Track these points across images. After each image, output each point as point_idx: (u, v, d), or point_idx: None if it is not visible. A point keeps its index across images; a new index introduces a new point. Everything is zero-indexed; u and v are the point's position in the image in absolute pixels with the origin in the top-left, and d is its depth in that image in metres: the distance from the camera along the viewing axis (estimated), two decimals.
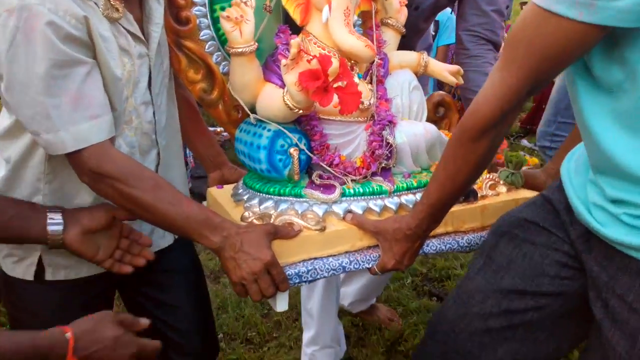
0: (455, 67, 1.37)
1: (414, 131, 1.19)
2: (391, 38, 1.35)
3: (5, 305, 1.15)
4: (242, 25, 1.07)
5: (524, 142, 4.93)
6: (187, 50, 1.15)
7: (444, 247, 1.14)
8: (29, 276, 1.05)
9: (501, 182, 1.26)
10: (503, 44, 0.84)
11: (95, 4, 0.96)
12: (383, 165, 1.16)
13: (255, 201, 1.10)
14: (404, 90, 1.28)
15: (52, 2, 0.88)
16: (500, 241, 1.06)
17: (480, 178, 1.23)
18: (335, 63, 0.99)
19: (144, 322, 0.91)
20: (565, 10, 0.70)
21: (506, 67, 0.82)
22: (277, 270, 0.97)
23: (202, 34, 1.16)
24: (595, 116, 0.82)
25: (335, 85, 0.99)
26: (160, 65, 1.11)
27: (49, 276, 1.05)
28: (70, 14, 0.90)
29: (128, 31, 1.01)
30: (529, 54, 0.77)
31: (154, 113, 1.10)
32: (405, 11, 1.37)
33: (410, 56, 1.37)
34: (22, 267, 1.06)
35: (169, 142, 1.17)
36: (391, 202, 1.13)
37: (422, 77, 1.39)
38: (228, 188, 1.24)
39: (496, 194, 1.23)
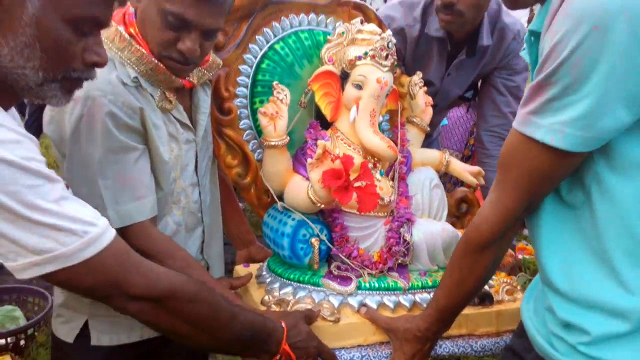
0: (476, 169, 1.43)
1: (431, 230, 1.24)
2: (415, 136, 1.44)
3: None
4: (277, 121, 1.18)
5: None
6: (227, 138, 1.26)
7: (456, 350, 1.16)
8: (70, 338, 1.13)
9: (519, 287, 1.28)
10: (497, 165, 0.91)
11: (152, 95, 1.08)
12: (400, 261, 1.21)
13: (276, 285, 1.16)
14: (425, 187, 1.35)
15: (112, 94, 1.01)
16: None
17: (498, 282, 1.26)
18: (356, 163, 1.08)
19: (315, 314, 1.07)
20: (542, 136, 0.77)
21: (501, 188, 0.87)
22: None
23: (241, 123, 1.27)
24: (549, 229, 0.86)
25: (355, 185, 1.06)
26: (206, 150, 1.23)
27: (94, 341, 1.12)
28: (127, 106, 1.03)
29: (177, 120, 1.13)
30: (519, 177, 0.83)
31: (199, 193, 1.20)
32: (430, 111, 1.46)
33: (432, 154, 1.45)
34: (66, 329, 1.14)
35: (212, 221, 1.27)
36: (405, 299, 1.16)
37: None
38: (254, 267, 1.31)
39: (513, 299, 1.24)
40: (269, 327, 0.97)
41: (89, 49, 0.80)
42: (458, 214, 1.52)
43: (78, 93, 0.97)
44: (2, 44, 0.75)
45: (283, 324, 0.99)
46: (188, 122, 1.17)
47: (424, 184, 1.35)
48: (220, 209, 1.32)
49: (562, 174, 0.81)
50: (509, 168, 0.85)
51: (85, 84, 0.97)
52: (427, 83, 1.78)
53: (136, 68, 1.05)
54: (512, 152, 0.84)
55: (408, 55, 1.79)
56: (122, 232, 0.99)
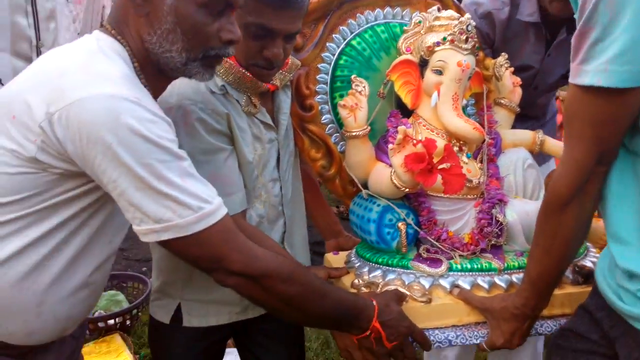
0: None
1: (525, 209, 1.20)
2: (504, 117, 1.41)
3: (150, 343, 1.38)
4: (357, 112, 1.22)
5: None
6: (310, 133, 1.32)
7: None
8: (166, 320, 1.25)
9: None
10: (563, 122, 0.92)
11: (237, 101, 1.18)
12: (493, 242, 1.18)
13: (365, 270, 1.19)
14: (518, 168, 1.31)
15: (202, 102, 1.12)
16: (552, 352, 1.06)
17: None
18: (440, 146, 1.08)
19: (405, 295, 1.09)
20: (590, 80, 0.78)
21: (569, 144, 0.88)
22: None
23: (323, 118, 1.33)
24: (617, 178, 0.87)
25: (440, 167, 1.07)
26: (287, 146, 1.30)
27: (185, 322, 1.24)
28: (215, 112, 1.14)
29: (261, 122, 1.22)
30: (582, 128, 0.84)
31: (281, 187, 1.27)
32: (519, 91, 1.42)
33: (524, 135, 1.40)
34: (162, 311, 1.27)
35: (294, 213, 1.34)
36: (501, 280, 1.14)
37: None
38: (343, 254, 1.36)
39: None
40: (360, 305, 1.01)
41: (223, 29, 0.93)
42: None
43: (171, 102, 1.11)
44: (151, 33, 0.90)
45: (374, 302, 1.02)
46: (271, 123, 1.25)
47: (516, 164, 1.32)
48: (302, 201, 1.39)
49: (622, 117, 0.81)
50: (572, 122, 0.87)
51: (175, 92, 1.10)
52: (525, 67, 1.74)
53: (224, 78, 1.15)
54: (571, 105, 0.86)
55: (497, 39, 1.76)
56: None
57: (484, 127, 1.30)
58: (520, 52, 1.70)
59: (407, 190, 1.14)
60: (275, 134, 1.26)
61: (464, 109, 1.40)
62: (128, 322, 2.42)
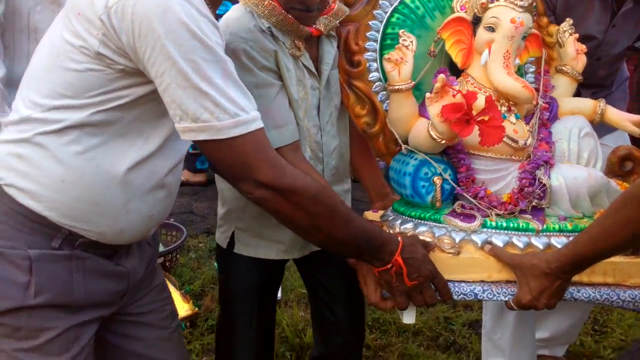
0: (638, 117, 1.30)
1: (574, 174, 1.17)
2: (565, 84, 1.38)
3: (217, 262, 1.53)
4: (401, 66, 1.24)
5: None
6: (356, 89, 1.36)
7: (598, 297, 1.07)
8: (224, 244, 1.40)
9: None
10: None
11: (283, 43, 1.25)
12: (534, 204, 1.16)
13: (398, 222, 1.21)
14: (573, 135, 1.28)
15: (252, 40, 1.20)
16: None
17: None
18: (480, 99, 1.08)
19: (432, 245, 1.12)
20: None
21: None
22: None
23: (370, 75, 1.36)
24: None
25: (478, 119, 1.07)
26: (330, 100, 1.35)
27: (236, 249, 1.38)
28: (264, 49, 1.22)
29: (305, 67, 1.28)
30: None
31: (321, 136, 1.34)
32: (583, 59, 1.39)
33: (584, 103, 1.36)
34: (222, 237, 1.42)
35: (337, 165, 1.40)
36: (538, 241, 1.12)
37: None
38: (381, 212, 1.38)
39: None
40: (385, 237, 1.05)
41: None
42: (622, 172, 1.39)
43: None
44: None
45: (399, 238, 1.06)
46: (313, 70, 1.31)
47: (571, 131, 1.28)
48: (347, 157, 1.44)
49: None
50: None
51: (229, 32, 1.18)
52: (587, 37, 1.68)
53: (269, 19, 1.22)
54: None
55: (559, 5, 1.71)
56: None
57: (539, 92, 1.28)
58: (583, 21, 1.64)
59: (443, 142, 1.14)
60: (318, 82, 1.32)
61: (521, 72, 1.38)
62: (167, 264, 2.67)
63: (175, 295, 2.24)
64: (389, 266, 1.03)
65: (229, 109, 0.89)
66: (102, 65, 0.91)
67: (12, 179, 0.95)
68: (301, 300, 2.55)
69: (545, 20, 1.44)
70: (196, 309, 2.36)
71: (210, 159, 0.96)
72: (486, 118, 1.07)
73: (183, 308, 2.26)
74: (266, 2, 1.21)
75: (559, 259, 1.01)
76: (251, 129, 0.92)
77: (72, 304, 0.97)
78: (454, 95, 1.10)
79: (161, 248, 2.71)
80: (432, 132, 1.15)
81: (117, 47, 0.89)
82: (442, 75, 1.11)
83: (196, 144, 0.93)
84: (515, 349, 1.74)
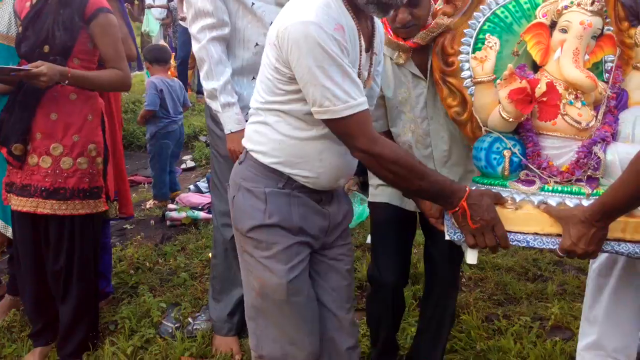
0: None
1: (627, 150, 1.41)
2: (639, 79, 1.59)
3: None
4: (485, 63, 1.58)
5: None
6: (449, 84, 1.72)
7: (638, 251, 1.29)
8: (366, 196, 2.00)
9: None
10: None
11: (390, 58, 1.76)
12: (589, 174, 1.42)
13: (473, 188, 1.54)
14: (638, 120, 1.50)
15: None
16: None
17: None
18: (542, 84, 1.39)
19: (505, 200, 1.43)
20: None
21: None
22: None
23: (462, 73, 1.72)
24: None
25: (539, 100, 1.38)
26: (436, 95, 1.77)
27: (370, 198, 2.06)
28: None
29: (410, 72, 1.75)
30: None
31: (429, 124, 1.80)
32: None
33: None
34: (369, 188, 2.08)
35: (448, 149, 1.84)
36: (587, 203, 1.37)
37: None
38: None
39: None
40: (454, 188, 1.41)
41: None
42: None
43: None
44: None
45: (467, 188, 1.41)
46: (418, 73, 1.74)
47: (637, 118, 1.51)
48: (460, 143, 1.85)
49: None
50: None
51: None
52: None
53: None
54: None
55: None
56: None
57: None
58: None
59: (511, 119, 1.46)
60: (425, 82, 1.74)
61: (600, 68, 1.63)
62: None
63: None
64: (456, 209, 1.38)
65: (342, 97, 1.35)
66: (279, 74, 1.41)
67: (253, 146, 1.53)
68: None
69: (626, 24, 1.67)
70: None
71: (331, 131, 1.44)
72: (545, 99, 1.38)
73: None
74: None
75: (591, 209, 1.29)
76: (356, 110, 1.37)
77: (291, 227, 1.50)
78: (520, 82, 1.43)
79: None
80: (501, 112, 1.47)
81: (283, 60, 1.38)
82: (510, 65, 1.44)
83: (324, 122, 1.41)
84: (608, 325, 1.81)
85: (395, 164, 1.38)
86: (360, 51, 1.49)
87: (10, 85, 2.26)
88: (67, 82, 2.16)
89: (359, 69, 1.49)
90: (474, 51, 1.72)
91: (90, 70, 2.30)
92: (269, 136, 1.49)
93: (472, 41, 1.72)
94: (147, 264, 3.30)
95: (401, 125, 1.86)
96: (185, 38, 7.59)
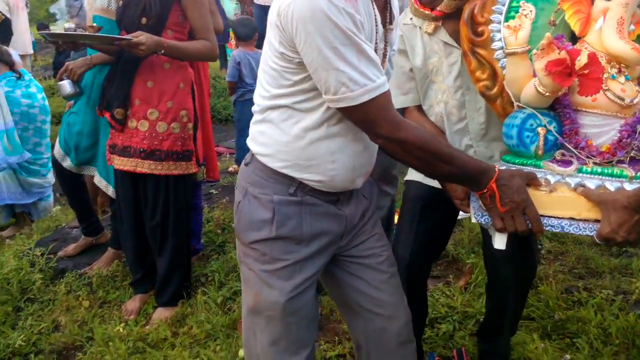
0: None
1: None
2: None
3: None
4: (519, 32, 1.48)
5: None
6: (479, 56, 1.62)
7: None
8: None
9: None
10: None
11: (419, 27, 1.68)
12: (633, 155, 1.32)
13: (503, 168, 1.44)
14: None
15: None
16: None
17: None
18: (583, 55, 1.29)
19: (539, 182, 1.34)
20: None
21: None
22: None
23: (493, 44, 1.61)
24: None
25: (579, 73, 1.28)
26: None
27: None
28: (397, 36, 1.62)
29: (442, 40, 1.67)
30: None
31: (463, 94, 1.71)
32: None
33: None
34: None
35: (486, 121, 1.74)
36: (630, 186, 1.28)
37: None
38: None
39: None
40: (482, 168, 1.31)
41: None
42: None
43: None
44: None
45: (496, 169, 1.31)
46: (449, 42, 1.66)
47: None
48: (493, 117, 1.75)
49: None
50: None
51: None
52: None
53: (411, 11, 1.70)
54: None
55: None
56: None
57: None
58: None
59: (547, 94, 1.36)
60: (459, 50, 1.67)
61: None
62: None
63: None
64: (484, 191, 1.29)
65: (359, 80, 1.21)
66: (285, 61, 1.26)
67: (259, 149, 1.40)
68: None
69: None
70: None
71: (348, 119, 1.31)
72: (586, 72, 1.27)
73: None
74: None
75: (635, 193, 1.18)
76: (376, 94, 1.23)
77: (301, 238, 1.37)
78: (559, 52, 1.32)
79: None
80: (537, 86, 1.37)
81: (288, 43, 1.23)
82: (547, 34, 1.34)
83: (339, 110, 1.29)
84: None
85: (420, 149, 1.28)
86: (376, 24, 1.36)
87: (112, 55, 2.60)
88: (162, 51, 2.42)
89: (376, 43, 1.36)
90: (506, 20, 1.61)
91: (182, 41, 2.55)
92: (274, 137, 1.36)
93: (504, 9, 1.61)
94: (232, 225, 3.43)
95: (433, 96, 1.77)
96: (261, 14, 7.77)
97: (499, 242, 1.34)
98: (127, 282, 3.06)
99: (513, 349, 2.24)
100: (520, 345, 2.29)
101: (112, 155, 2.66)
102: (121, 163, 2.61)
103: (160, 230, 2.71)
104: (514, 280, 1.87)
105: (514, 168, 1.42)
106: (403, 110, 1.80)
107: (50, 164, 4.12)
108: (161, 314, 2.74)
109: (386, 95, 1.27)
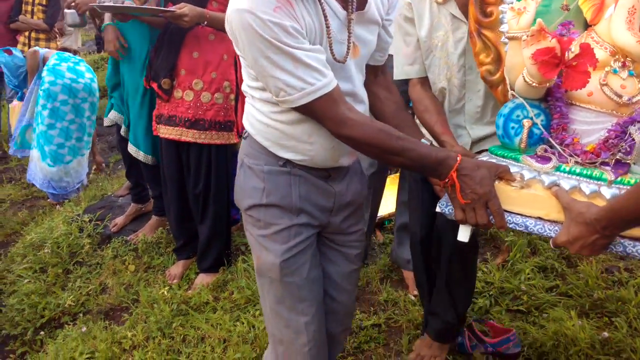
0: None
1: None
2: None
3: None
4: (522, 15, 1.40)
5: None
6: (484, 37, 1.55)
7: None
8: None
9: None
10: None
11: None
12: (619, 157, 1.23)
13: (484, 158, 1.40)
14: None
15: None
16: None
17: None
18: (576, 46, 1.21)
19: (512, 176, 1.28)
20: None
21: None
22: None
23: (502, 27, 1.53)
24: None
25: (568, 64, 1.20)
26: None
27: None
28: (406, 2, 1.60)
29: (450, 13, 1.61)
30: None
31: (465, 74, 1.67)
32: None
33: None
34: None
35: (483, 104, 1.71)
36: (607, 191, 1.20)
37: None
38: None
39: None
40: (440, 157, 1.28)
41: None
42: None
43: None
44: None
45: (458, 158, 1.26)
46: (458, 15, 1.62)
47: None
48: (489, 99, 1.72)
49: None
50: None
51: None
52: None
53: None
54: None
55: None
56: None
57: None
58: None
59: (534, 84, 1.29)
60: (466, 26, 1.61)
61: None
62: None
63: None
64: (445, 180, 1.26)
65: (296, 85, 1.25)
66: (243, 60, 1.34)
67: (248, 127, 1.48)
68: None
69: None
70: None
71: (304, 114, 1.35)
72: (575, 64, 1.20)
73: None
74: None
75: (599, 213, 1.11)
76: (316, 96, 1.26)
77: (291, 207, 1.44)
78: (550, 40, 1.24)
79: None
80: (525, 76, 1.30)
81: (237, 48, 1.30)
82: (539, 20, 1.26)
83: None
84: None
85: (367, 145, 1.31)
86: (327, 19, 1.31)
87: (158, 26, 2.74)
88: (205, 22, 2.49)
89: (330, 38, 1.33)
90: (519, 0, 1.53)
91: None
92: (257, 118, 1.44)
93: None
94: None
95: (436, 72, 1.73)
96: None
97: (463, 234, 1.31)
98: (170, 248, 3.22)
99: (546, 326, 2.29)
100: (557, 322, 2.30)
101: (158, 125, 2.80)
102: (166, 132, 2.74)
103: (202, 198, 2.84)
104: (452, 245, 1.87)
105: (493, 160, 1.37)
106: (407, 82, 1.79)
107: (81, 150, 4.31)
108: (203, 279, 2.89)
109: (330, 95, 1.29)
